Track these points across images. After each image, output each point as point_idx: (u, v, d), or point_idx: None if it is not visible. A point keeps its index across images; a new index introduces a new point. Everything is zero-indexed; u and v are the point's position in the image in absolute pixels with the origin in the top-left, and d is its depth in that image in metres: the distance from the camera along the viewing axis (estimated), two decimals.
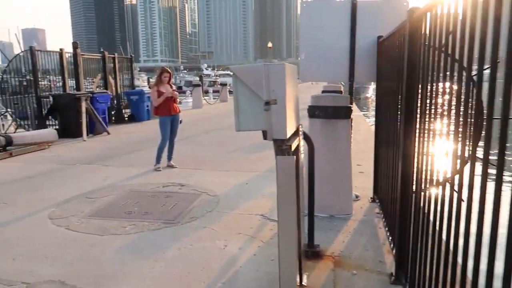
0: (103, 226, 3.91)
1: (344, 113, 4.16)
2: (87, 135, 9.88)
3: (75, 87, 11.07)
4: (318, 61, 4.76)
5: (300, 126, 2.94)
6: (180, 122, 6.44)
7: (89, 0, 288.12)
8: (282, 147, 2.38)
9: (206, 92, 25.59)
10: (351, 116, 4.34)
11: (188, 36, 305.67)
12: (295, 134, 2.67)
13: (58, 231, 3.82)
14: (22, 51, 9.60)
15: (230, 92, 24.98)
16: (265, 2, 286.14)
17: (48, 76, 11.01)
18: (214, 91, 36.24)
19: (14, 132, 10.59)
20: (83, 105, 9.62)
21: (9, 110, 10.21)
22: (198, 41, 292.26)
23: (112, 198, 4.82)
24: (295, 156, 2.41)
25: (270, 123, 2.28)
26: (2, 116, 11.82)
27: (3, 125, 12.20)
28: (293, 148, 2.47)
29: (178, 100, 6.34)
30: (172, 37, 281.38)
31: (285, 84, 2.26)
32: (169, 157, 6.44)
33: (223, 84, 22.67)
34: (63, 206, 4.55)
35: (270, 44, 42.24)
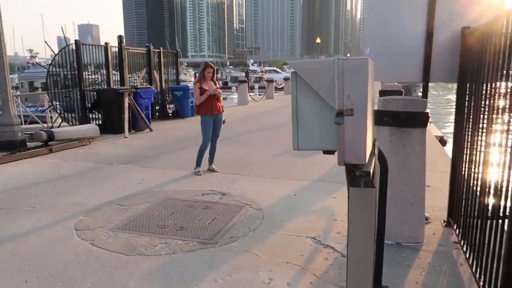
0: (131, 243, 3.42)
1: (420, 120, 3.39)
2: (129, 131, 9.64)
3: (119, 81, 10.90)
4: (385, 57, 3.99)
5: (376, 141, 2.25)
6: (224, 122, 5.89)
7: None
8: (357, 174, 1.71)
9: (251, 88, 25.11)
10: (428, 124, 3.57)
11: (235, 32, 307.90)
12: (371, 154, 1.99)
13: (81, 246, 3.37)
14: (67, 45, 9.51)
15: (277, 88, 24.36)
16: None
17: (101, 70, 10.89)
18: (260, 87, 35.80)
19: (59, 126, 10.61)
20: (126, 101, 9.37)
21: (57, 103, 10.18)
22: (245, 36, 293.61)
23: (146, 206, 4.35)
24: (375, 188, 1.73)
25: (343, 142, 1.62)
26: (50, 109, 11.95)
27: (51, 117, 12.35)
28: (370, 174, 1.80)
29: (221, 98, 5.79)
30: (220, 33, 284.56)
31: (367, 87, 1.59)
32: (210, 160, 5.92)
33: (270, 81, 22.05)
34: (92, 214, 4.13)
35: (318, 40, 41.08)
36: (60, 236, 3.59)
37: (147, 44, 12.36)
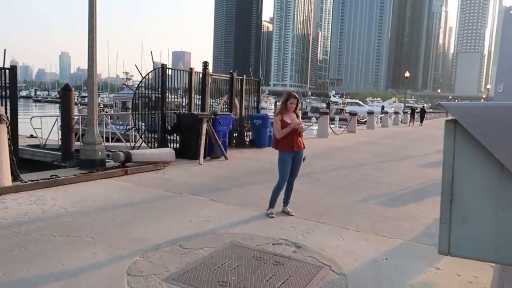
0: None
1: None
2: (205, 158, 9.40)
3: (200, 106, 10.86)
4: None
5: None
6: (303, 160, 5.22)
7: (231, 28, 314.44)
8: None
9: (332, 120, 24.21)
10: None
11: (318, 63, 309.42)
12: None
13: None
14: (154, 69, 9.68)
15: (359, 122, 23.16)
16: (403, 31, 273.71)
17: (184, 95, 10.98)
18: (340, 119, 34.68)
19: (139, 147, 10.77)
20: (204, 127, 9.17)
21: (141, 124, 10.36)
22: (328, 67, 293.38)
23: (209, 252, 3.79)
24: None
25: None
26: (133, 129, 12.25)
27: (135, 136, 12.67)
28: None
29: (303, 133, 5.15)
30: (303, 63, 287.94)
31: None
32: (286, 201, 5.26)
33: (353, 114, 20.99)
34: (149, 255, 3.67)
35: (407, 74, 38.96)
36: (109, 281, 3.15)
37: (231, 71, 12.29)
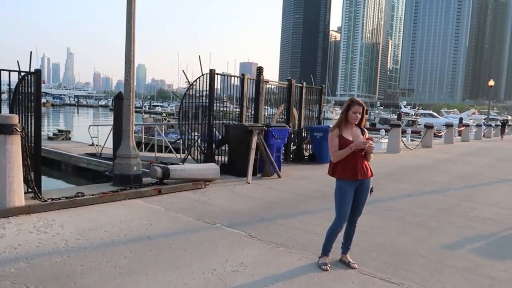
0: None
1: None
2: (255, 175, 8.23)
3: (252, 117, 9.75)
4: None
5: None
6: (371, 192, 3.80)
7: (298, 38, 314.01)
8: None
9: (403, 132, 21.91)
10: None
11: (388, 72, 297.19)
12: None
13: None
14: (202, 74, 8.76)
15: (435, 135, 20.65)
16: (484, 37, 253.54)
17: (235, 103, 10.03)
18: (413, 132, 31.81)
19: (184, 160, 9.88)
20: (254, 140, 8.01)
21: (195, 134, 9.45)
22: (398, 77, 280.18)
23: None
24: None
25: None
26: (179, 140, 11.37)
27: (188, 145, 11.76)
28: None
29: (371, 154, 3.73)
30: (372, 73, 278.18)
31: None
32: (345, 248, 3.86)
33: (429, 126, 18.61)
34: None
35: (492, 82, 34.84)
36: None
37: (289, 78, 11.07)
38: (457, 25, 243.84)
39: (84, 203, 5.47)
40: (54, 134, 20.33)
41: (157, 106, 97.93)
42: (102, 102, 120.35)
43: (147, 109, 78.91)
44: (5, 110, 5.98)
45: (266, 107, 10.66)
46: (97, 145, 14.74)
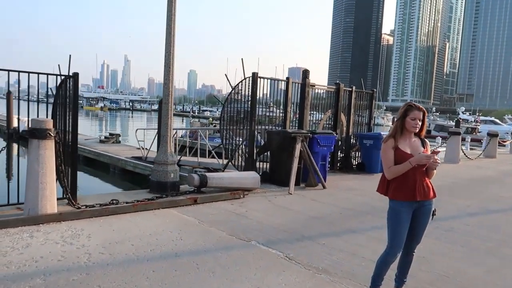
0: None
1: None
2: (298, 185, 7.71)
3: (297, 123, 9.23)
4: None
5: None
6: (433, 215, 3.16)
7: (348, 42, 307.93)
8: None
9: (462, 140, 20.32)
10: None
11: (444, 77, 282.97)
12: None
13: None
14: (244, 78, 8.40)
15: (499, 144, 18.90)
16: None
17: (279, 108, 9.63)
18: (472, 140, 29.61)
19: (225, 167, 9.55)
20: (297, 147, 7.49)
21: (239, 140, 9.10)
22: (456, 82, 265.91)
23: None
24: None
25: None
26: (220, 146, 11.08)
27: (229, 151, 11.48)
28: None
29: (434, 171, 3.10)
30: (426, 77, 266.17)
31: None
32: (400, 281, 3.25)
33: (493, 134, 17.02)
34: None
35: None
36: None
37: (337, 81, 10.44)
38: None
39: (117, 211, 5.24)
40: (105, 137, 20.95)
41: (206, 110, 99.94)
42: (155, 107, 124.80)
43: (196, 114, 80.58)
44: (43, 115, 5.94)
45: (313, 112, 10.11)
46: (143, 148, 14.88)
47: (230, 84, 8.69)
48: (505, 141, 21.79)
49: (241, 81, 8.40)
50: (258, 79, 8.28)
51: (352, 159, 10.67)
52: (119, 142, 20.74)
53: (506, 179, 10.63)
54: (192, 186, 6.73)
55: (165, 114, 6.79)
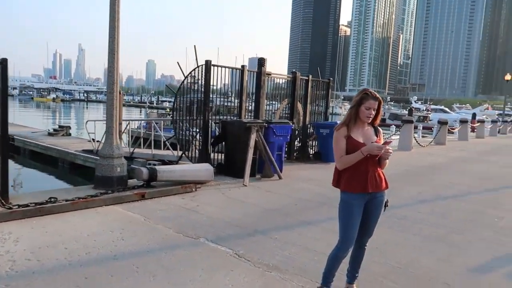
0: None
1: None
2: (254, 176, 7.50)
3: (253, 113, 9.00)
4: None
5: None
6: (385, 207, 3.03)
7: (307, 33, 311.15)
8: None
9: (414, 128, 20.96)
10: None
11: (398, 67, 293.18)
12: None
13: None
14: (197, 66, 8.03)
15: (449, 132, 19.67)
16: (498, 31, 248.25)
17: (233, 98, 9.38)
18: (424, 128, 30.74)
19: (179, 160, 9.20)
20: (252, 138, 7.26)
21: (193, 130, 8.73)
22: (409, 72, 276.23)
23: None
24: None
25: None
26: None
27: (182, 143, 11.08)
28: None
29: (387, 161, 2.96)
30: (381, 68, 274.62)
31: None
32: (352, 276, 3.10)
33: (443, 122, 17.65)
34: None
35: (508, 77, 33.59)
36: None
37: (293, 70, 10.29)
38: (470, 19, 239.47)
39: (53, 210, 4.78)
40: (54, 130, 19.80)
41: (165, 101, 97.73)
42: None
43: (154, 104, 78.61)
44: None
45: (273, 102, 9.93)
46: (94, 140, 14.13)
47: (182, 73, 8.27)
48: (454, 129, 22.72)
49: (194, 70, 8.02)
50: (212, 67, 7.94)
51: (309, 149, 10.61)
52: (70, 134, 19.64)
53: (456, 165, 10.98)
54: (141, 181, 6.35)
55: (110, 105, 6.31)
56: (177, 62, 8.49)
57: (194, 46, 8.16)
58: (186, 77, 8.15)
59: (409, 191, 7.08)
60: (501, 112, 52.38)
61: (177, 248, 3.85)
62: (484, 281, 3.53)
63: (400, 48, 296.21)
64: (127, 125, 13.46)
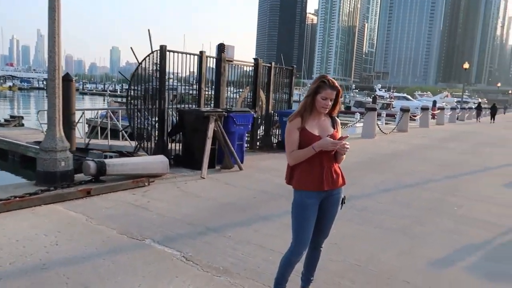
0: None
1: None
2: (213, 167, 7.16)
3: (213, 101, 8.62)
4: None
5: None
6: (343, 204, 2.78)
7: (275, 21, 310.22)
8: None
9: (378, 116, 21.20)
10: None
11: (363, 56, 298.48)
12: None
13: None
14: (152, 51, 7.53)
15: (410, 119, 20.02)
16: (457, 21, 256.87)
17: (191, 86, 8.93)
18: (387, 115, 31.34)
19: (134, 151, 8.71)
20: (211, 127, 6.90)
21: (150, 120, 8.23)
22: (373, 60, 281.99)
23: None
24: None
25: None
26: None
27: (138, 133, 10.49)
28: None
29: (343, 156, 2.69)
30: (347, 56, 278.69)
31: None
32: (306, 279, 2.85)
33: (405, 110, 17.89)
34: None
35: (466, 65, 34.73)
36: None
37: (255, 57, 9.95)
38: (432, 10, 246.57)
39: None
40: (5, 120, 18.61)
41: (129, 89, 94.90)
42: (77, 86, 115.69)
43: (118, 93, 76.14)
44: None
45: (241, 90, 9.57)
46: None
47: (136, 59, 7.73)
48: (415, 116, 23.21)
49: (148, 56, 7.52)
50: (168, 53, 7.47)
51: (273, 137, 10.36)
52: (22, 125, 18.50)
53: (417, 152, 11.07)
54: (89, 175, 5.87)
55: (52, 93, 5.76)
56: (131, 48, 7.94)
57: (148, 30, 7.63)
58: (140, 64, 7.64)
59: (372, 180, 6.97)
60: (460, 99, 54.37)
61: (119, 252, 3.47)
62: (444, 277, 3.39)
63: (365, 37, 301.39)
64: (81, 115, 12.70)
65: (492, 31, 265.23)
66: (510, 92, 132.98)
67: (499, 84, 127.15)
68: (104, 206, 4.76)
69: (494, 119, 30.96)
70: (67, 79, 8.67)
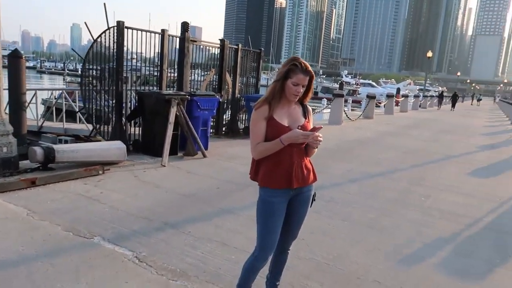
0: None
1: None
2: (176, 154, 6.77)
3: (176, 84, 8.15)
4: None
5: None
6: (313, 201, 2.50)
7: (243, 2, 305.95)
8: None
9: (344, 102, 21.26)
10: None
11: (331, 42, 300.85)
12: None
13: None
14: (108, 28, 6.93)
15: (376, 106, 20.22)
16: (421, 10, 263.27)
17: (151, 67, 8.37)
18: (353, 101, 31.69)
19: (89, 136, 8.15)
20: (172, 112, 6.47)
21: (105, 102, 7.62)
22: (340, 47, 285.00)
23: None
24: None
25: None
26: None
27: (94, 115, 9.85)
28: None
29: (315, 150, 2.40)
30: (315, 41, 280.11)
31: None
32: (272, 285, 2.58)
33: (371, 97, 17.97)
34: None
35: (430, 54, 35.57)
36: None
37: (221, 38, 9.49)
38: None
39: None
40: None
41: (91, 68, 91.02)
42: (30, 64, 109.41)
43: (79, 72, 72.81)
44: None
45: (206, 73, 9.10)
46: None
47: (91, 36, 7.11)
48: (380, 103, 23.51)
49: (104, 32, 6.92)
50: (126, 29, 6.90)
51: (239, 123, 10.03)
52: None
53: (382, 139, 11.09)
54: (35, 163, 5.35)
55: None
56: (85, 23, 7.31)
57: (104, 4, 7.00)
58: (95, 40, 7.03)
59: (339, 169, 6.81)
60: (422, 87, 55.96)
61: (61, 253, 3.07)
62: (414, 274, 3.24)
63: (333, 23, 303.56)
64: (34, 95, 11.81)
65: (453, 21, 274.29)
66: (468, 81, 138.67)
67: (458, 73, 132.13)
68: (50, 198, 4.29)
69: (454, 107, 32.04)
70: (16, 55, 7.95)
